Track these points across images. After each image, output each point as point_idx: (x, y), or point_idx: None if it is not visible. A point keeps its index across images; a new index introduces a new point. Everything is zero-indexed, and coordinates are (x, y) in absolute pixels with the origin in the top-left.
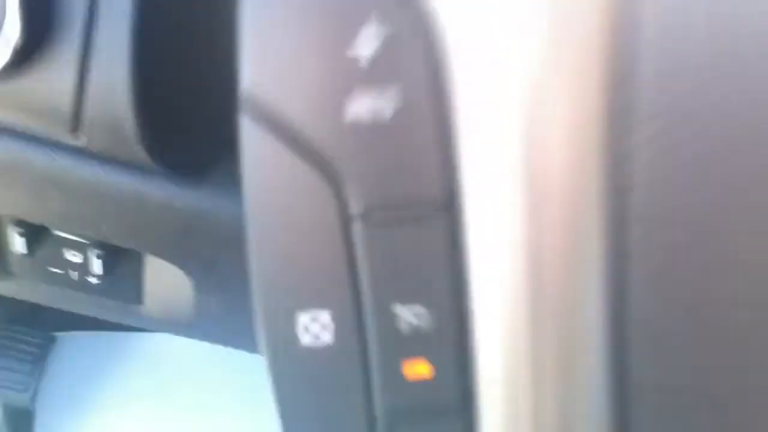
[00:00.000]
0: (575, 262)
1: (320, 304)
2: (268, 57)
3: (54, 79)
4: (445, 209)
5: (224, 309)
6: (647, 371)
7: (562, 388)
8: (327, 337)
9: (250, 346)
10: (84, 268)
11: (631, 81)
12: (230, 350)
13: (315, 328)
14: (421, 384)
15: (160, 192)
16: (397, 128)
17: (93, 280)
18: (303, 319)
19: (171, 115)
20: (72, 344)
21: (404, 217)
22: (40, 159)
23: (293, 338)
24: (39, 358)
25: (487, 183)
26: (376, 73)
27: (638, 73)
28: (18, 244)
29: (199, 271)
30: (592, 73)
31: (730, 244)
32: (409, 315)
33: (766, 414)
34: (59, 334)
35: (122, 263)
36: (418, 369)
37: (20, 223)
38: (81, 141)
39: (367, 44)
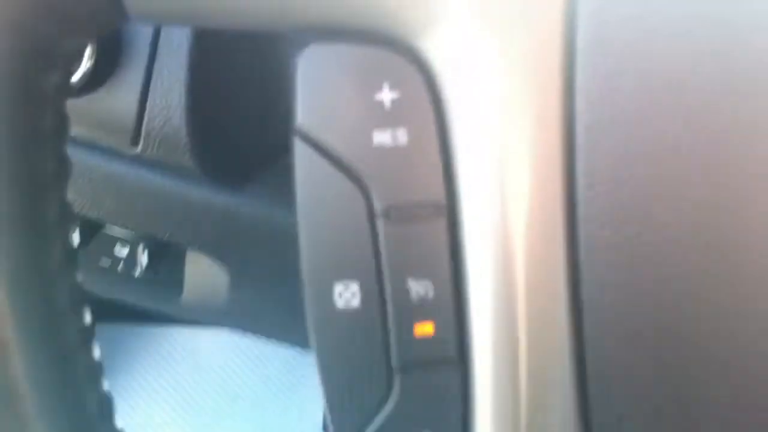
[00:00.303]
0: (541, 252)
1: (351, 277)
2: (315, 99)
3: (120, 99)
4: (445, 210)
5: (256, 300)
6: (602, 340)
7: (535, 348)
8: (356, 303)
9: (279, 336)
10: (130, 261)
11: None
12: (250, 346)
13: (347, 295)
14: (428, 340)
15: (204, 194)
16: (410, 152)
17: (138, 272)
18: (338, 288)
19: (216, 130)
20: (101, 335)
21: (415, 215)
22: (100, 163)
23: (330, 303)
24: None
25: (475, 192)
26: (395, 113)
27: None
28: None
29: (235, 264)
30: (549, 111)
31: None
32: (419, 288)
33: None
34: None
35: (165, 257)
36: (425, 329)
37: None
38: (137, 150)
39: (388, 93)
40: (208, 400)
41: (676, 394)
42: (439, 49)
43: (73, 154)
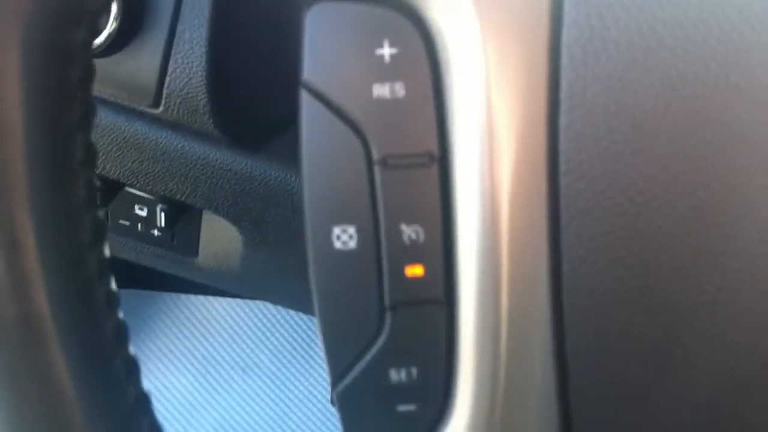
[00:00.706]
0: (524, 201)
1: (349, 221)
2: (320, 53)
3: (142, 60)
4: (438, 160)
5: (270, 264)
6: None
7: (516, 291)
8: (352, 244)
9: (292, 303)
10: (149, 221)
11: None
12: (262, 317)
13: (344, 237)
14: (417, 281)
15: (221, 157)
16: (407, 104)
17: (156, 233)
18: (336, 230)
19: (236, 94)
20: (123, 300)
21: (409, 163)
22: (122, 124)
23: (329, 243)
24: None
25: (466, 144)
26: (394, 67)
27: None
28: None
29: (249, 227)
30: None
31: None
32: (411, 232)
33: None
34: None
35: (183, 218)
36: (415, 271)
37: (98, 178)
38: (159, 111)
39: (388, 48)
40: (221, 369)
41: (649, 329)
42: (435, 8)
43: (98, 113)
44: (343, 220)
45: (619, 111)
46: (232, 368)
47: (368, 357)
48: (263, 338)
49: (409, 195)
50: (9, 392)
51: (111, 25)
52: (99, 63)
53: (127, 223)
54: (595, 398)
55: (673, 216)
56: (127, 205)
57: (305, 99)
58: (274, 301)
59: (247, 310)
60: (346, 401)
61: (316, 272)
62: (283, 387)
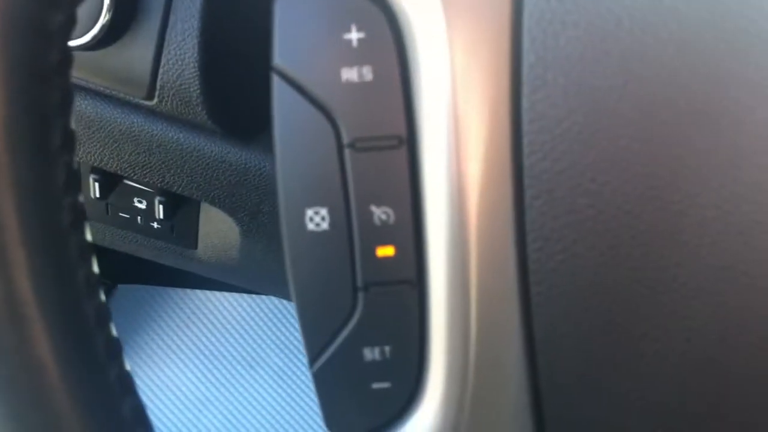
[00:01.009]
0: (490, 180)
1: (321, 203)
2: (290, 39)
3: (135, 52)
4: (406, 143)
5: (267, 254)
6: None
7: (484, 269)
8: (325, 226)
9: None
10: (148, 213)
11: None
12: (267, 312)
13: (317, 218)
14: (389, 262)
15: (216, 148)
16: (375, 88)
17: (155, 225)
18: (309, 212)
19: (230, 85)
20: (129, 295)
21: (378, 146)
22: (118, 116)
23: (302, 225)
24: None
25: (433, 126)
26: (362, 51)
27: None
28: (93, 189)
29: (246, 218)
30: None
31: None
32: (380, 213)
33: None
34: (121, 285)
35: (181, 211)
36: (386, 251)
37: (96, 171)
38: (153, 103)
39: (355, 33)
40: (227, 364)
41: (612, 306)
42: None
43: (93, 107)
44: (315, 202)
45: (579, 92)
46: (239, 363)
47: (343, 336)
48: (269, 333)
49: (378, 177)
50: None
51: (104, 17)
52: (93, 56)
53: (126, 215)
54: (563, 373)
55: (633, 194)
56: (126, 197)
57: (276, 83)
58: (274, 292)
59: (253, 305)
60: (323, 379)
61: (291, 254)
62: (289, 381)
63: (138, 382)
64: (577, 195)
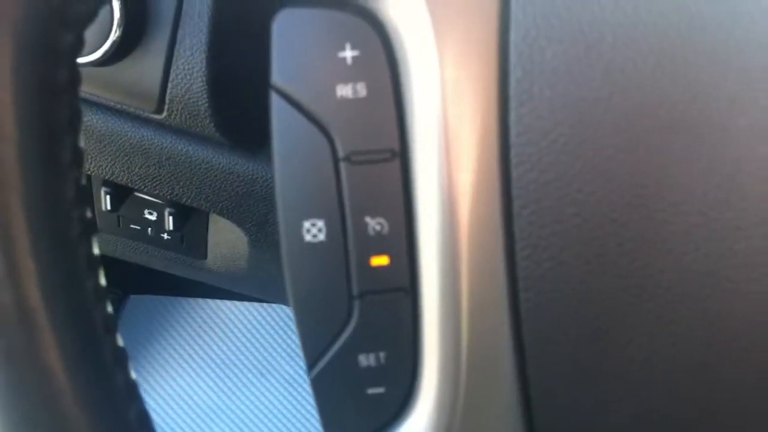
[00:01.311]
0: (479, 191)
1: (318, 215)
2: (287, 57)
3: (145, 67)
4: (399, 156)
5: (275, 263)
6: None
7: (474, 277)
8: (321, 237)
9: None
10: (158, 225)
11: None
12: (279, 321)
13: (314, 230)
14: (383, 271)
15: (224, 160)
16: (369, 103)
17: (165, 236)
18: (306, 224)
19: (237, 98)
20: (141, 305)
21: (372, 159)
22: (128, 130)
23: (299, 237)
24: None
25: (425, 140)
26: (356, 69)
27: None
28: (105, 201)
29: (254, 228)
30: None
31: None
32: (375, 224)
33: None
34: (133, 296)
35: (190, 222)
36: (381, 261)
37: (107, 184)
38: (162, 117)
39: (350, 51)
40: (238, 372)
41: (599, 312)
42: (393, 12)
43: (103, 121)
44: (312, 214)
45: (565, 104)
46: (250, 371)
47: (339, 343)
48: (280, 341)
49: (373, 189)
50: (4, 375)
51: (114, 34)
52: (104, 71)
53: (137, 227)
54: (553, 379)
55: (618, 203)
56: (137, 209)
57: (274, 100)
58: (283, 300)
59: (264, 314)
60: (320, 385)
61: (289, 264)
62: (300, 389)
63: (150, 390)
64: (564, 205)
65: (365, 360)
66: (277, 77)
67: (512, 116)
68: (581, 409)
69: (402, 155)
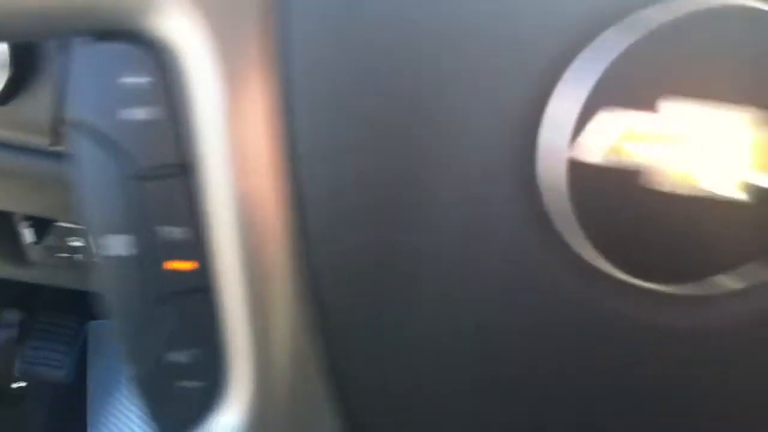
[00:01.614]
0: (265, 200)
1: (118, 230)
2: (80, 89)
3: (38, 101)
4: (186, 170)
5: None
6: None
7: (259, 274)
8: (123, 251)
9: None
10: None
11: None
12: None
13: (115, 244)
14: (184, 274)
15: None
16: (157, 123)
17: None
18: (109, 239)
19: None
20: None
21: (162, 174)
22: (32, 164)
23: (104, 251)
24: (74, 340)
25: (212, 153)
26: (139, 92)
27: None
28: (27, 234)
29: None
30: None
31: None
32: (169, 232)
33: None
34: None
35: None
36: (181, 265)
37: (28, 218)
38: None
39: (133, 77)
40: None
41: (387, 289)
42: (169, 37)
43: (5, 159)
44: (113, 229)
45: (340, 107)
46: None
47: (154, 344)
48: None
49: (167, 201)
50: None
51: (4, 75)
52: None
53: (67, 255)
54: (357, 361)
55: (383, 194)
56: (60, 237)
57: (70, 130)
58: None
59: None
60: (141, 385)
61: (97, 278)
62: None
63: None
64: (354, 188)
65: (181, 356)
66: (72, 109)
67: (297, 123)
68: (391, 389)
69: (191, 168)
